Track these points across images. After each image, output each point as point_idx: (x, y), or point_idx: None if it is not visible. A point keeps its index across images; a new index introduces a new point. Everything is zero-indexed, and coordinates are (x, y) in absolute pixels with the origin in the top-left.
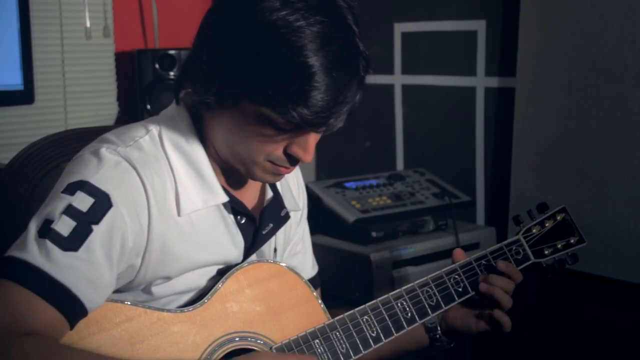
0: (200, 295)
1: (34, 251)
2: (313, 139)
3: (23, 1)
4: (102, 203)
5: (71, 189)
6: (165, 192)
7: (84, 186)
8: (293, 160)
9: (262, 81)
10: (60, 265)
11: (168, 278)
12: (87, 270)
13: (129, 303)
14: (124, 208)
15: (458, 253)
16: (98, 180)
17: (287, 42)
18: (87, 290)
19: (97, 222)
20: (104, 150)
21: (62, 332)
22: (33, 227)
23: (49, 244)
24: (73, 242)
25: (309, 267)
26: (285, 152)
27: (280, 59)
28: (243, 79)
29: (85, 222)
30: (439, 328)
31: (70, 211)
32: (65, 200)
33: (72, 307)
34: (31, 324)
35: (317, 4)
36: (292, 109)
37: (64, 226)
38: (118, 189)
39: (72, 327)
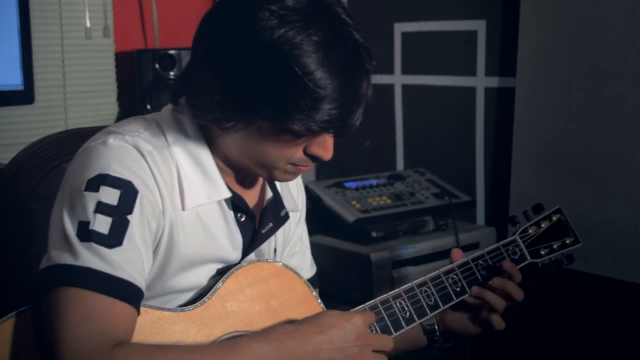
0: (201, 295)
1: (86, 255)
2: (331, 137)
3: (23, 1)
4: (129, 192)
5: (93, 185)
6: (173, 183)
7: (105, 180)
8: (313, 159)
9: (276, 100)
10: (114, 262)
11: (167, 273)
12: (135, 259)
13: None
14: (145, 192)
15: (456, 253)
16: (116, 170)
17: (293, 58)
18: (140, 276)
19: (131, 212)
20: (112, 140)
21: (135, 322)
22: (70, 231)
23: (94, 245)
24: (115, 238)
25: (307, 268)
26: (304, 152)
27: (290, 76)
28: (257, 102)
29: (120, 215)
30: (437, 330)
31: (101, 208)
32: (92, 198)
33: (136, 297)
34: (116, 327)
35: (309, 10)
36: (309, 121)
37: (102, 224)
38: (136, 175)
39: (139, 314)
